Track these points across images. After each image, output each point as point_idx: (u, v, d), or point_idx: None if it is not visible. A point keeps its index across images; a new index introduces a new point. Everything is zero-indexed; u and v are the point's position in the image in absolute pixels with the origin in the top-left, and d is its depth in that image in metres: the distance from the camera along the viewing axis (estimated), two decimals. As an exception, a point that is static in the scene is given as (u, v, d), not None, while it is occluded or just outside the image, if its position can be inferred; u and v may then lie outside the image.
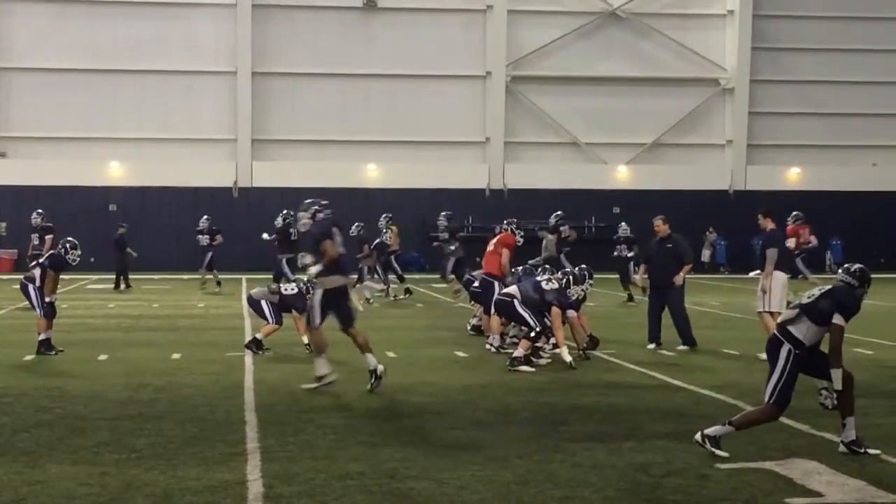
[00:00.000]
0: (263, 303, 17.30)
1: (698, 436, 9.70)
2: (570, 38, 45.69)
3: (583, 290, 17.04)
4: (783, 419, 10.40)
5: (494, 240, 18.79)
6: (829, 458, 9.51)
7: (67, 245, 17.45)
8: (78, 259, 17.60)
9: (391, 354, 17.06)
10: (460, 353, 17.26)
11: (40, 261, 17.62)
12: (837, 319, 9.59)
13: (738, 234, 44.57)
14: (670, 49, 46.15)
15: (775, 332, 9.84)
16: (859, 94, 47.04)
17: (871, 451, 9.70)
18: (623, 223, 30.94)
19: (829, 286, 9.93)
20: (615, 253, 29.75)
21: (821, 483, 8.70)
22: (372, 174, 44.71)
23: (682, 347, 17.89)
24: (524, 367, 15.24)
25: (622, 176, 46.13)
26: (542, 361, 15.93)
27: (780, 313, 15.79)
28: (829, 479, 8.84)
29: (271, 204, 43.02)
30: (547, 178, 44.67)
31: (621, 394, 13.31)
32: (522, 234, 18.45)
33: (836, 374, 9.60)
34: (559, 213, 29.27)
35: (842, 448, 9.79)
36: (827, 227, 44.92)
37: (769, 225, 16.78)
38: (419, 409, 12.09)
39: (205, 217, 32.72)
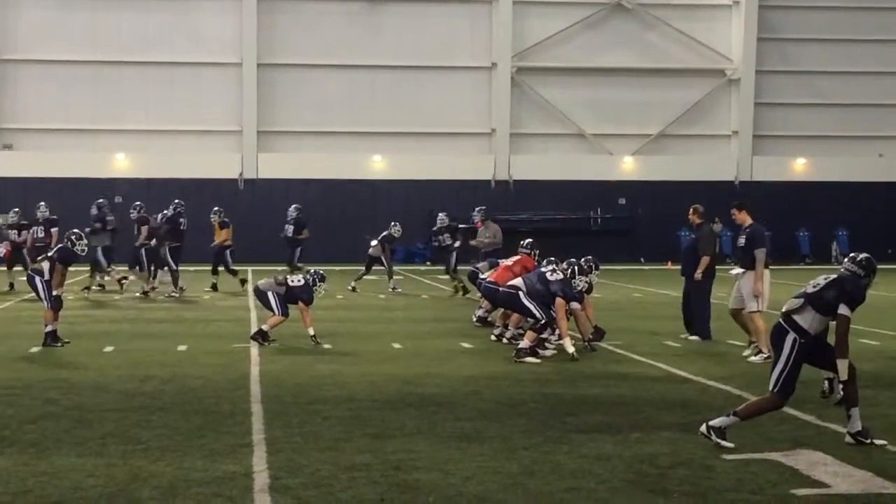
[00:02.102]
0: (270, 294, 17.31)
1: (703, 427, 9.70)
2: (576, 29, 45.61)
3: (587, 280, 17.04)
4: (789, 410, 10.42)
5: (513, 258, 18.51)
6: (835, 449, 9.51)
7: (73, 237, 17.55)
8: (86, 249, 17.74)
9: (397, 346, 17.09)
10: (466, 345, 17.27)
11: (49, 254, 17.68)
12: (843, 310, 9.58)
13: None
14: (676, 40, 46.05)
15: (780, 321, 9.83)
16: (866, 84, 46.91)
17: (878, 442, 9.69)
18: (441, 213, 29.84)
19: (835, 275, 9.91)
20: (435, 243, 29.46)
21: (827, 474, 8.70)
22: (377, 166, 44.72)
23: (693, 337, 17.93)
24: (530, 359, 15.25)
25: (628, 167, 46.10)
26: (548, 353, 15.94)
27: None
28: (836, 469, 8.84)
29: (277, 196, 43.09)
30: (553, 170, 44.65)
31: (627, 385, 13.32)
32: (538, 252, 18.33)
33: (843, 365, 9.59)
34: (297, 205, 28.97)
35: (848, 439, 9.78)
36: (833, 218, 45.04)
37: (746, 220, 16.63)
38: (425, 400, 12.10)
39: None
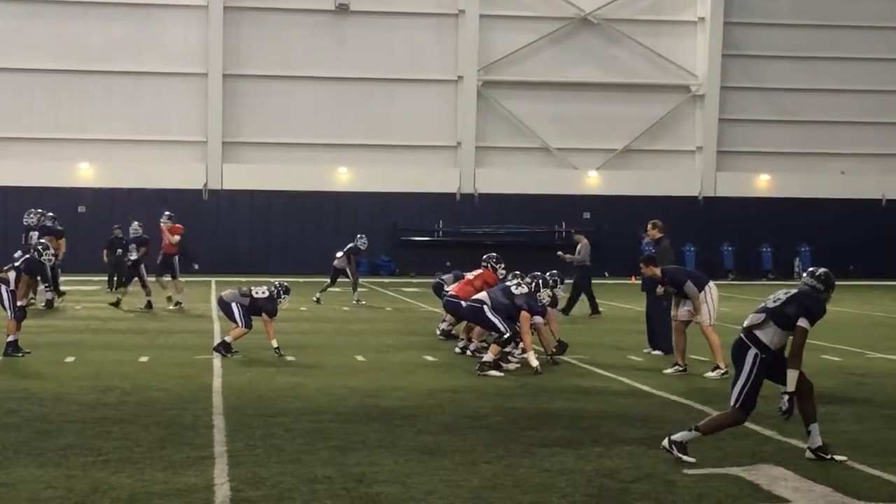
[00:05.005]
0: (234, 305, 17.25)
1: (665, 441, 9.73)
2: (542, 43, 45.76)
3: (550, 294, 17.07)
4: (750, 425, 10.45)
5: (475, 272, 18.51)
6: (795, 464, 9.56)
7: (39, 248, 17.49)
8: (52, 260, 17.68)
9: (361, 358, 17.06)
10: (430, 358, 17.26)
11: (16, 264, 17.58)
12: (802, 323, 9.62)
13: (708, 240, 44.85)
14: (641, 55, 46.27)
15: (741, 336, 9.85)
16: (828, 101, 47.29)
17: (838, 458, 9.73)
18: (136, 222, 27.70)
19: (795, 290, 9.96)
20: (126, 257, 27.14)
21: (787, 489, 8.74)
22: (343, 178, 44.67)
23: (655, 352, 18.00)
24: (493, 372, 15.26)
25: (593, 181, 46.24)
26: (511, 366, 15.95)
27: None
28: (796, 484, 8.88)
29: (241, 206, 43.04)
30: (517, 183, 44.76)
31: (590, 399, 13.34)
32: (504, 266, 18.36)
33: (792, 376, 9.59)
34: (40, 211, 27.59)
35: (809, 454, 9.82)
36: (796, 234, 45.34)
37: (656, 271, 16.51)
38: (388, 413, 12.08)
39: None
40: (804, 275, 10.14)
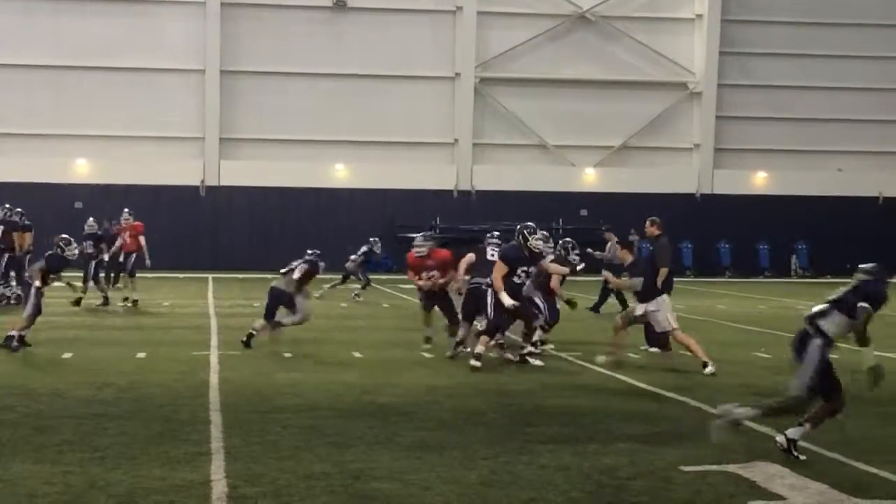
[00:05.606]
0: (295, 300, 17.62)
1: (782, 440, 9.82)
2: (539, 40, 45.74)
3: (550, 247, 17.13)
4: (746, 421, 10.45)
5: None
6: (791, 462, 9.56)
7: (62, 243, 17.45)
8: (77, 253, 17.65)
9: (358, 355, 17.07)
10: (427, 355, 17.27)
11: (39, 263, 17.54)
12: (863, 304, 9.85)
13: (705, 237, 44.86)
14: (639, 52, 46.26)
15: (806, 327, 9.97)
16: (826, 99, 47.29)
17: (796, 455, 9.76)
18: (91, 218, 27.40)
19: (854, 283, 10.15)
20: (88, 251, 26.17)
21: (784, 486, 8.75)
22: (340, 174, 44.65)
23: (652, 349, 17.99)
24: (473, 362, 15.34)
25: (590, 178, 46.24)
26: (537, 361, 16.09)
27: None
28: (792, 482, 8.89)
29: (238, 203, 42.99)
30: (515, 180, 44.74)
31: (586, 396, 13.35)
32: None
33: (867, 351, 10.01)
34: (8, 206, 26.99)
35: (779, 438, 9.86)
36: (793, 232, 45.36)
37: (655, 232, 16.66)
38: (385, 409, 12.08)
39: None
40: (858, 272, 10.30)
